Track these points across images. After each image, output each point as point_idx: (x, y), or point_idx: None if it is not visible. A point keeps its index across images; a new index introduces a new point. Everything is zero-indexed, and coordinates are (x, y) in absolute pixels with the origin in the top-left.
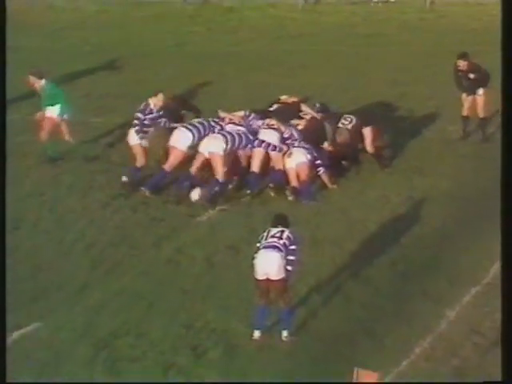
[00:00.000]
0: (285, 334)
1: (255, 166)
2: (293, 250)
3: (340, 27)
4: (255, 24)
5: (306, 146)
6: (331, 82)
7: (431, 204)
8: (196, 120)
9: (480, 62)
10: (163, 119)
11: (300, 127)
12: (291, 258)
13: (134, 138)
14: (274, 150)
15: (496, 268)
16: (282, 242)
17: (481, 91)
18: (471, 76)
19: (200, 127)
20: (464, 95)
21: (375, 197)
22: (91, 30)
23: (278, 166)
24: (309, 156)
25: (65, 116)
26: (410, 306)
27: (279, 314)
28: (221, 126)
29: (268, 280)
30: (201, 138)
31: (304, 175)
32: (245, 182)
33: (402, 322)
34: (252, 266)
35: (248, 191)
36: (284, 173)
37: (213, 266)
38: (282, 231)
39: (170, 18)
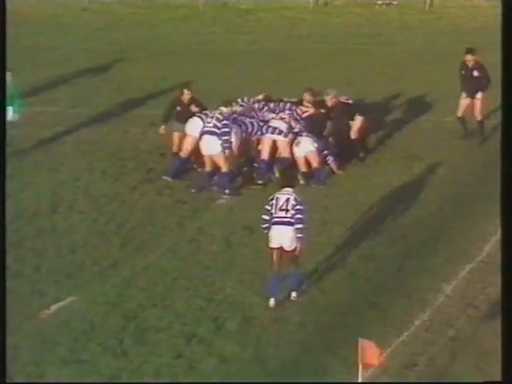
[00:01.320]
0: (293, 294)
1: (265, 154)
2: (300, 218)
3: (346, 27)
4: (269, 24)
5: (312, 136)
6: (338, 77)
7: (429, 188)
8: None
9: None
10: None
11: (305, 115)
12: (300, 226)
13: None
14: (280, 134)
15: (489, 246)
16: (289, 214)
17: (479, 95)
18: (475, 74)
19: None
20: (463, 95)
21: (379, 181)
22: (122, 30)
23: (285, 153)
24: (316, 144)
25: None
26: (410, 281)
27: (289, 277)
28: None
29: (282, 249)
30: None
31: (315, 162)
32: (255, 170)
33: (402, 296)
34: (266, 245)
35: (259, 181)
36: (290, 160)
37: (231, 244)
38: (288, 199)
39: (193, 19)
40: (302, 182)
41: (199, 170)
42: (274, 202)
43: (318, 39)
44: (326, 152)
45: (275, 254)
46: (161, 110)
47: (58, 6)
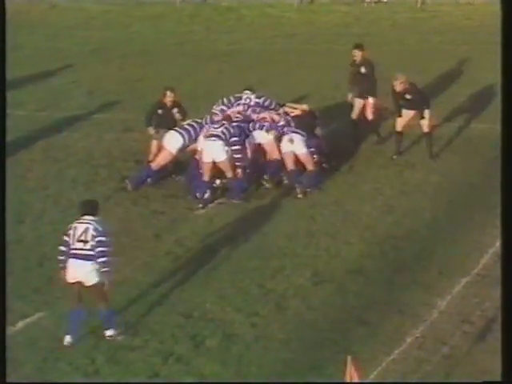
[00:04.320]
0: (108, 333)
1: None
2: (102, 251)
3: (334, 27)
4: (252, 23)
5: (302, 133)
6: (324, 79)
7: (422, 197)
8: (187, 122)
9: (470, 60)
10: None
11: (293, 114)
12: (103, 259)
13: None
14: (267, 132)
15: (486, 259)
16: (88, 246)
17: (371, 100)
18: (362, 70)
19: (191, 130)
20: (350, 95)
21: (368, 190)
22: (94, 29)
23: (273, 154)
24: (308, 145)
25: None
26: (401, 296)
27: (100, 315)
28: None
29: (81, 284)
30: (191, 141)
31: (309, 165)
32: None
33: (394, 312)
34: (248, 258)
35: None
36: (279, 162)
37: (210, 257)
38: (86, 229)
39: (169, 17)
40: (286, 181)
41: (177, 178)
42: (71, 231)
43: (303, 39)
44: (312, 149)
45: (74, 289)
46: (135, 114)
47: (24, 3)
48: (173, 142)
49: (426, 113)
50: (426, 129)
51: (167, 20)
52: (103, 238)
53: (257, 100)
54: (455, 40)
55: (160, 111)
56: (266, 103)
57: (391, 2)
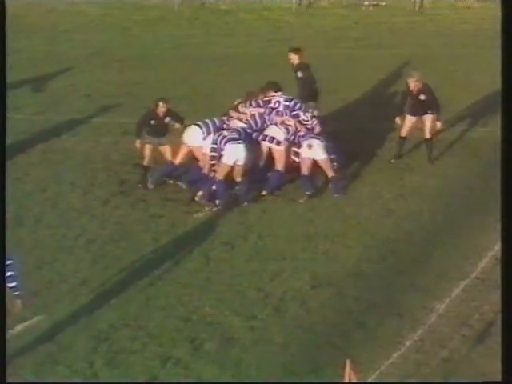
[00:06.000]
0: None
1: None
2: (11, 276)
3: (332, 30)
4: (250, 26)
5: (322, 138)
6: (322, 83)
7: (420, 201)
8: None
9: (468, 63)
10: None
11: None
12: (12, 284)
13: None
14: (278, 144)
15: (484, 262)
16: None
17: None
18: (299, 75)
19: (210, 123)
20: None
21: (367, 193)
22: (92, 32)
23: (279, 163)
24: (327, 150)
25: None
26: (400, 300)
27: None
28: (226, 123)
29: None
30: (208, 134)
31: (330, 171)
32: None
33: (392, 315)
34: (247, 261)
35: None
36: (282, 174)
37: (209, 260)
38: None
39: (168, 20)
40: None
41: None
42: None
43: (301, 42)
44: (332, 156)
45: None
46: (134, 118)
47: (22, 6)
48: (193, 136)
49: (429, 118)
50: (428, 135)
51: (166, 24)
52: (10, 262)
53: (286, 103)
54: (453, 44)
55: (152, 122)
56: (297, 107)
57: (389, 5)
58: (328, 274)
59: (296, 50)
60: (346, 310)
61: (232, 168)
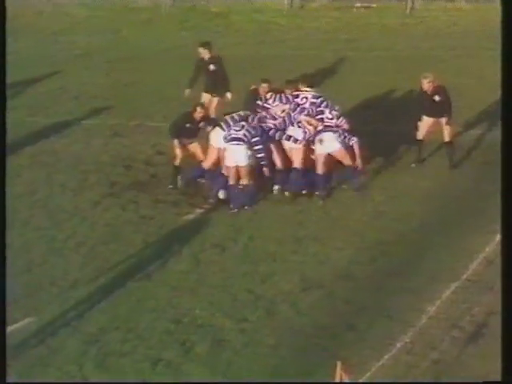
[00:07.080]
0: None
1: (279, 162)
2: None
3: (323, 32)
4: (241, 29)
5: (335, 129)
6: (314, 85)
7: (411, 202)
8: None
9: (458, 65)
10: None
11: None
12: None
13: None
14: (295, 142)
15: (475, 264)
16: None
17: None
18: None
19: (230, 121)
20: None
21: (357, 195)
22: (81, 34)
23: (296, 162)
24: (340, 139)
25: None
26: (391, 302)
27: None
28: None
29: None
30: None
31: (345, 159)
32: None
33: (383, 317)
34: (237, 263)
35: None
36: (301, 173)
37: (199, 262)
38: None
39: (158, 22)
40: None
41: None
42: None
43: (292, 45)
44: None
45: None
46: (124, 119)
47: (10, 8)
48: (218, 137)
49: (445, 120)
50: (447, 138)
51: (155, 25)
52: None
53: (313, 100)
54: (444, 45)
55: (188, 125)
56: (323, 104)
57: (380, 7)
58: (318, 277)
59: (205, 45)
60: (336, 312)
61: (236, 169)
